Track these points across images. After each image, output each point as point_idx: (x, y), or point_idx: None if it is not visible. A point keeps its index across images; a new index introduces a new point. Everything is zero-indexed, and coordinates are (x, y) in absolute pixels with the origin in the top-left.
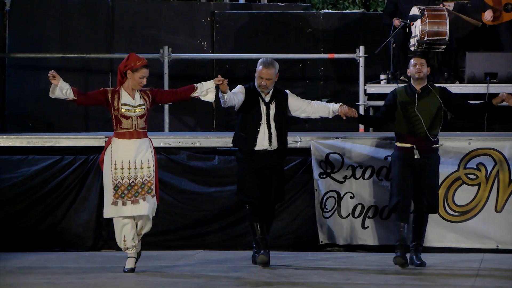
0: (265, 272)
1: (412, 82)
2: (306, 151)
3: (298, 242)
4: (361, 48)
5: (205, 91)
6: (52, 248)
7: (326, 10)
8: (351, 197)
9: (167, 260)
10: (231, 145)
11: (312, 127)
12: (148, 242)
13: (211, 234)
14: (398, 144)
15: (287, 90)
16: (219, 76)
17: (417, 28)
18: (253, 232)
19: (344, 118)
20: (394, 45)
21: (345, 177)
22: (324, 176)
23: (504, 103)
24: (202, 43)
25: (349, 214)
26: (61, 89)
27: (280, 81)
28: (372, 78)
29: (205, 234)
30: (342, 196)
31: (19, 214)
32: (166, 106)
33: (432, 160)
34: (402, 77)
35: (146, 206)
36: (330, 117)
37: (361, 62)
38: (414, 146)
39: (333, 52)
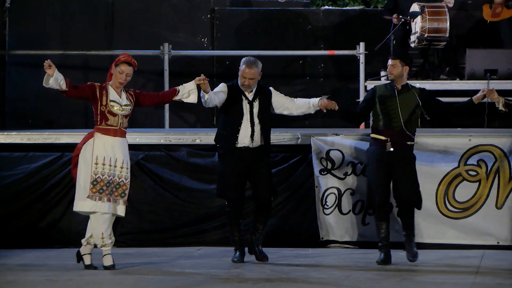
0: (265, 269)
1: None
2: (307, 148)
3: (298, 239)
4: (361, 45)
5: (187, 93)
6: (52, 245)
7: (326, 7)
8: (352, 194)
9: (168, 257)
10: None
11: (313, 123)
12: (149, 239)
13: (211, 231)
14: (373, 136)
15: (271, 88)
16: (202, 75)
17: (417, 24)
18: (230, 231)
19: (325, 111)
20: (394, 41)
21: (346, 174)
22: (325, 172)
23: (486, 100)
24: (202, 40)
25: (349, 211)
26: (56, 79)
27: (280, 78)
28: (372, 75)
29: (206, 231)
30: (342, 192)
31: (20, 211)
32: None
33: (407, 157)
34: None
35: (119, 208)
36: (312, 112)
37: (361, 59)
38: (389, 139)
39: (333, 49)
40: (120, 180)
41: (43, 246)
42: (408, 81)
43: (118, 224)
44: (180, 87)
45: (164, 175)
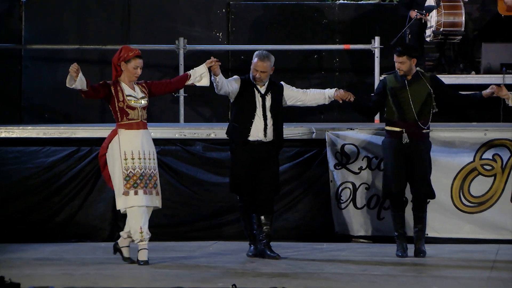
0: (281, 263)
1: None
2: (321, 142)
3: (313, 233)
4: (377, 39)
5: (199, 76)
6: (68, 239)
7: (341, 1)
8: (367, 188)
9: (184, 251)
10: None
11: (328, 118)
12: (165, 233)
13: (227, 225)
14: (388, 128)
15: (282, 82)
16: (212, 57)
17: (433, 19)
18: (244, 226)
19: (341, 102)
20: (410, 36)
21: (361, 168)
22: (340, 167)
23: (495, 95)
24: (218, 34)
25: (364, 205)
26: (81, 81)
27: (295, 72)
28: (387, 69)
29: (221, 225)
30: (357, 187)
31: (36, 205)
32: (182, 98)
33: (423, 146)
34: (418, 68)
35: (157, 199)
36: (327, 102)
37: (377, 53)
38: (404, 130)
39: (349, 43)
40: (151, 171)
41: (60, 240)
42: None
43: None
44: (191, 71)
45: (180, 169)
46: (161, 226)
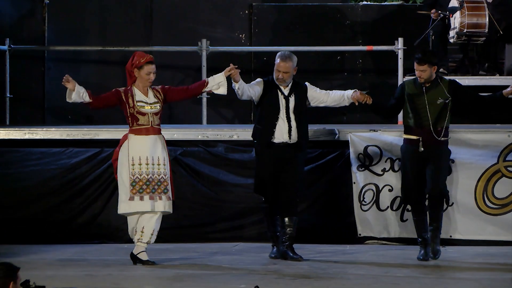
0: (303, 265)
1: None
2: (344, 144)
3: (336, 235)
4: (400, 40)
5: (217, 84)
6: (91, 240)
7: (364, 2)
8: (390, 190)
9: (205, 253)
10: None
11: (350, 119)
12: (186, 234)
13: (249, 227)
14: (405, 136)
15: (306, 83)
16: (231, 64)
17: (456, 20)
18: (267, 227)
19: (357, 103)
20: (433, 37)
21: (384, 170)
22: (362, 168)
23: None
24: (240, 35)
25: (387, 207)
26: (78, 93)
27: (318, 74)
28: (411, 71)
29: (243, 226)
30: (380, 189)
31: (59, 206)
32: (204, 99)
33: (439, 153)
34: (441, 69)
35: (162, 204)
36: (347, 104)
37: (400, 54)
38: (420, 138)
39: (372, 44)
40: (160, 176)
41: (82, 241)
42: (447, 78)
43: None
44: (209, 79)
45: (202, 170)
46: (183, 227)
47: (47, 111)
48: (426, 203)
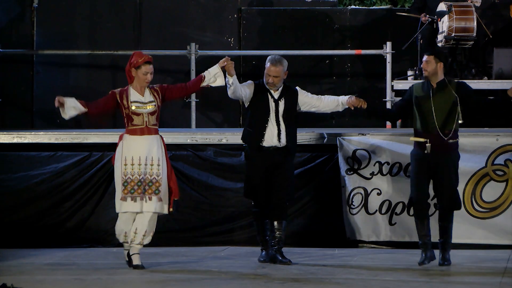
0: (292, 269)
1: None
2: (333, 148)
3: (325, 239)
4: (388, 44)
5: (213, 77)
6: (80, 245)
7: (353, 6)
8: (378, 194)
9: (195, 257)
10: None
11: (339, 123)
12: (176, 238)
13: (238, 231)
14: (412, 139)
15: (297, 87)
16: (226, 57)
17: (444, 24)
18: (257, 231)
19: (353, 108)
20: (421, 41)
21: (372, 174)
22: (351, 172)
23: None
24: (229, 39)
25: (376, 211)
26: (71, 108)
27: (307, 78)
28: (399, 74)
29: (233, 230)
30: (369, 192)
31: (48, 210)
32: (193, 103)
33: (447, 156)
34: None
35: (153, 205)
36: (341, 109)
37: (388, 58)
38: (427, 141)
39: (360, 48)
40: (152, 177)
41: (72, 245)
42: None
43: None
44: (205, 73)
45: (191, 174)
46: (172, 231)
47: (35, 115)
48: (431, 208)
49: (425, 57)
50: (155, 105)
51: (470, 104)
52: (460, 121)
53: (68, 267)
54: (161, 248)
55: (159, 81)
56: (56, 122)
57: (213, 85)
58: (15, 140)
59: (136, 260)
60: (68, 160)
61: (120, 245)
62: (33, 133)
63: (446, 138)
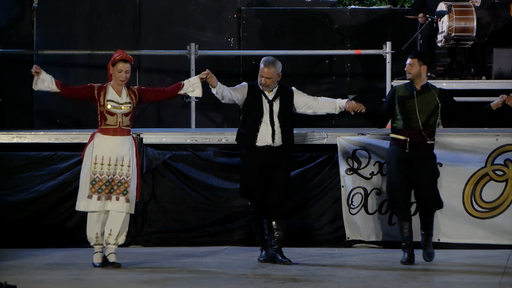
0: (292, 269)
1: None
2: (333, 148)
3: (324, 239)
4: (388, 44)
5: (192, 87)
6: (79, 245)
7: (353, 6)
8: (378, 194)
9: (194, 257)
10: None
11: (339, 123)
12: (175, 238)
13: (238, 230)
14: (393, 136)
15: (293, 88)
16: (207, 70)
17: (444, 24)
18: (255, 231)
19: (352, 113)
20: (421, 41)
21: (372, 174)
22: (351, 172)
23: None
24: (229, 39)
25: (376, 211)
26: (42, 81)
27: (307, 78)
28: (399, 74)
29: (232, 230)
30: (369, 192)
31: (47, 210)
32: (193, 103)
33: (426, 156)
34: (429, 73)
35: (120, 205)
36: (337, 112)
37: (388, 58)
38: (408, 139)
39: (360, 48)
40: (121, 178)
41: (71, 245)
42: (435, 81)
43: (145, 223)
44: (185, 81)
45: (191, 174)
46: (172, 231)
47: (35, 115)
48: (413, 208)
49: (408, 60)
50: (130, 107)
51: (452, 112)
52: (440, 126)
53: (67, 267)
54: (161, 248)
55: (158, 81)
56: (56, 122)
57: (191, 95)
58: (15, 140)
59: (113, 258)
60: (68, 160)
61: (120, 245)
62: (33, 133)
63: (428, 137)
